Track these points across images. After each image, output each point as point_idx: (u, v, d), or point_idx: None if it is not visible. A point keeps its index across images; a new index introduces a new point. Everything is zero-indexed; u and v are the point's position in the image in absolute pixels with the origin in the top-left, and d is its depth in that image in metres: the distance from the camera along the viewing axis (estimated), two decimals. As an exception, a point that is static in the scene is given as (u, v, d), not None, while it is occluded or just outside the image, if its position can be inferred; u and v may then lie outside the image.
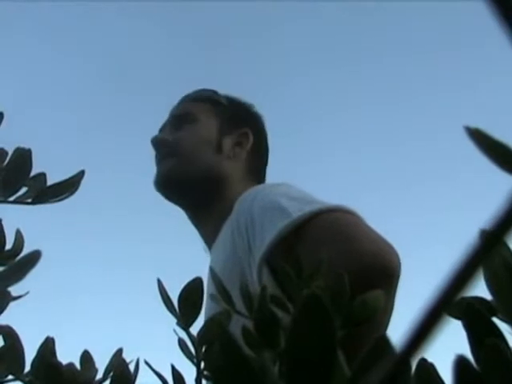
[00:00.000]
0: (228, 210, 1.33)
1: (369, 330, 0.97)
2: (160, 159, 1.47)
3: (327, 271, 0.99)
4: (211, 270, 0.67)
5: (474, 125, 0.25)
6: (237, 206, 1.28)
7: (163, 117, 1.61)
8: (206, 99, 1.56)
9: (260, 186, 1.33)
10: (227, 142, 1.49)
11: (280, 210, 1.14)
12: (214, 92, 1.59)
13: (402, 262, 1.01)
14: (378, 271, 0.96)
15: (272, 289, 0.58)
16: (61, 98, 3.81)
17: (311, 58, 3.90)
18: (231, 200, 1.34)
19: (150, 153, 1.61)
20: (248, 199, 1.25)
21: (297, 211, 1.11)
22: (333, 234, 1.07)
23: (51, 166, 0.64)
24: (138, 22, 3.86)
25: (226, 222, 1.33)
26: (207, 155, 1.45)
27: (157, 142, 1.49)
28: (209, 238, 1.42)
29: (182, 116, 1.53)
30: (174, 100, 1.61)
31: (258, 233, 1.16)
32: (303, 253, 1.07)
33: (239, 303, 0.56)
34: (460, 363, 0.28)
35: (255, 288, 1.04)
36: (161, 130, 1.56)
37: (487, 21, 0.18)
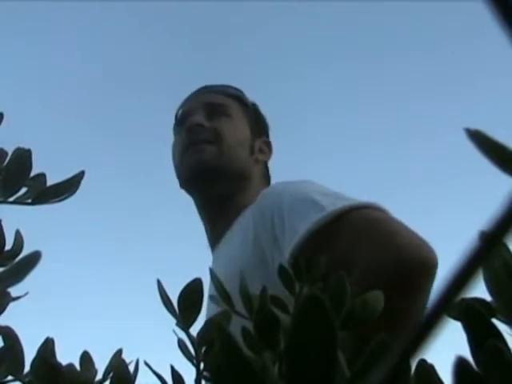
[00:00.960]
0: (241, 210, 1.35)
1: (405, 322, 0.98)
2: (197, 144, 1.44)
3: (367, 265, 1.01)
4: (211, 270, 0.67)
5: (474, 126, 0.25)
6: (261, 200, 1.29)
7: (163, 116, 1.61)
8: (235, 97, 1.56)
9: (285, 182, 1.33)
10: (256, 146, 1.52)
11: (313, 204, 1.15)
12: (242, 92, 1.60)
13: (437, 256, 1.04)
14: (418, 265, 0.98)
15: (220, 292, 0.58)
16: (61, 98, 3.81)
17: (311, 57, 3.90)
18: (248, 201, 1.37)
19: (151, 153, 1.61)
20: (274, 192, 1.27)
21: (330, 205, 1.12)
22: (370, 229, 1.08)
23: (51, 167, 0.64)
24: (136, 21, 3.86)
25: (238, 219, 1.34)
26: (244, 154, 1.48)
27: (196, 126, 1.45)
28: (217, 233, 1.42)
29: (217, 106, 1.51)
30: (174, 100, 1.61)
31: (287, 225, 1.16)
32: (336, 248, 1.09)
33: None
34: (460, 364, 0.28)
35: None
36: (189, 112, 1.52)
37: (488, 21, 0.18)
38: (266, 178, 1.55)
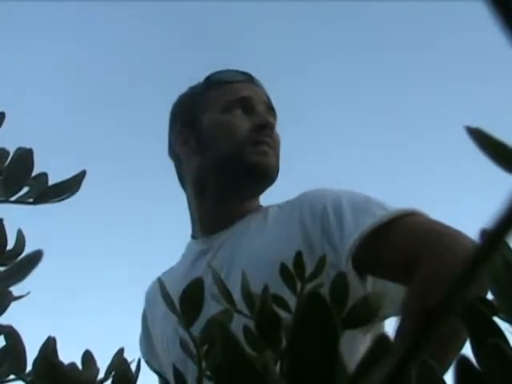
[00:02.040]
0: (248, 213, 1.42)
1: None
2: (265, 145, 1.45)
3: (433, 261, 1.05)
4: (215, 270, 0.67)
5: (475, 124, 0.25)
6: (312, 197, 1.33)
7: (162, 116, 1.60)
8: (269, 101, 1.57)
9: (328, 188, 1.37)
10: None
11: (374, 203, 1.22)
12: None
13: None
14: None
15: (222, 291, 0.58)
16: (62, 97, 3.81)
17: (314, 51, 3.90)
18: (255, 206, 1.46)
19: (151, 153, 1.61)
20: (328, 191, 1.32)
21: (388, 207, 1.20)
22: (431, 229, 1.15)
23: (52, 166, 0.64)
24: (135, 21, 3.86)
25: (253, 214, 1.41)
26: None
27: (269, 127, 1.46)
28: (219, 226, 1.43)
29: (274, 114, 1.55)
30: (174, 99, 1.60)
31: (348, 219, 1.20)
32: (398, 247, 1.15)
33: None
34: (462, 363, 0.28)
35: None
36: (253, 99, 1.49)
37: (488, 20, 0.18)
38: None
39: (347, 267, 1.15)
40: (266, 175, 1.44)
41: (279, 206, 1.40)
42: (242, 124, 1.44)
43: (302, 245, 1.22)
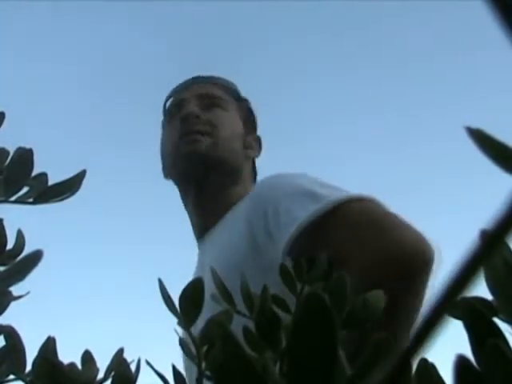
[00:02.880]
0: (232, 203, 1.35)
1: (408, 317, 0.98)
2: (192, 134, 1.43)
3: (365, 257, 1.01)
4: (215, 271, 0.67)
5: (475, 125, 0.25)
6: (256, 190, 1.29)
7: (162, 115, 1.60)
8: (229, 90, 1.56)
9: (281, 174, 1.31)
10: (248, 142, 1.52)
11: (311, 194, 1.14)
12: (235, 85, 1.59)
13: (435, 250, 1.03)
14: (419, 258, 0.98)
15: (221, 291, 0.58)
16: (62, 97, 3.81)
17: (314, 61, 3.90)
18: (238, 195, 1.38)
19: (151, 152, 1.61)
20: (270, 183, 1.26)
21: (327, 196, 1.12)
22: (366, 222, 1.08)
23: (53, 166, 0.64)
24: (133, 20, 3.86)
25: (230, 210, 1.34)
26: (238, 148, 1.48)
27: (191, 116, 1.44)
28: (206, 224, 1.41)
29: (212, 98, 1.51)
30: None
31: (284, 214, 1.15)
32: (335, 239, 1.08)
33: (252, 285, 0.56)
34: (460, 363, 0.28)
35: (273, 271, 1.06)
36: (182, 101, 1.51)
37: (488, 20, 0.18)
38: (253, 174, 1.55)
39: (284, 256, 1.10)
40: (200, 160, 1.41)
41: (243, 201, 1.34)
42: (174, 131, 1.47)
43: (244, 242, 1.20)
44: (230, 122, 1.49)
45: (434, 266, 1.01)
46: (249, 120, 1.56)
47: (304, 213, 1.10)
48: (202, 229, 1.43)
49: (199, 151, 1.41)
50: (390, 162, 3.83)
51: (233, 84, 1.59)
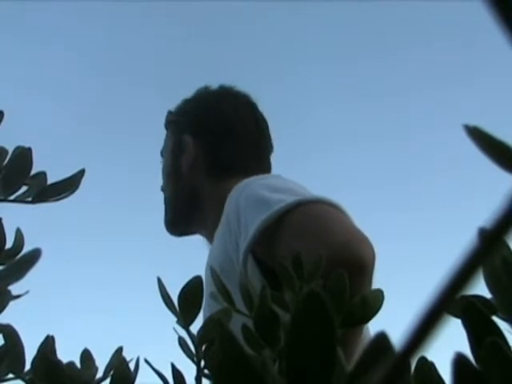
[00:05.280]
0: (219, 210, 1.35)
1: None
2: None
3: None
4: (209, 268, 0.67)
5: (473, 123, 0.25)
6: (226, 205, 1.30)
7: (163, 113, 1.61)
8: (166, 125, 1.59)
9: (246, 181, 1.31)
10: (180, 160, 1.51)
11: (262, 203, 1.15)
12: (168, 112, 1.59)
13: (375, 253, 1.01)
14: (347, 263, 0.94)
15: (256, 280, 0.58)
16: (62, 96, 3.81)
17: (314, 52, 3.90)
18: (213, 201, 1.42)
19: (151, 152, 1.61)
20: (235, 195, 1.27)
21: (277, 203, 1.12)
22: (305, 226, 1.08)
23: (51, 165, 0.64)
24: (134, 19, 3.86)
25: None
26: (174, 187, 1.52)
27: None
28: (211, 237, 1.44)
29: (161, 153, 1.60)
30: (173, 97, 1.61)
31: (243, 226, 1.17)
32: (279, 245, 1.10)
33: (236, 299, 0.56)
34: (459, 361, 0.28)
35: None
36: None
37: (488, 19, 0.18)
38: (214, 167, 1.49)
39: (246, 266, 1.14)
40: (167, 228, 1.54)
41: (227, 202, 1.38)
42: None
43: (222, 255, 1.24)
44: (163, 172, 1.56)
45: (371, 271, 1.00)
46: (176, 133, 1.55)
47: (254, 225, 1.13)
48: (209, 237, 1.48)
49: (167, 223, 1.53)
50: (389, 160, 3.84)
51: (170, 111, 1.59)
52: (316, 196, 1.15)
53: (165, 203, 1.53)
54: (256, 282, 1.09)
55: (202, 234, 1.53)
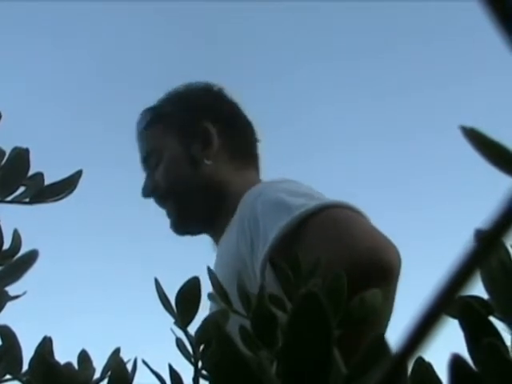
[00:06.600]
0: (234, 207, 1.32)
1: (366, 329, 0.97)
2: (161, 205, 1.47)
3: (325, 270, 0.99)
4: (212, 270, 0.67)
5: (470, 124, 0.25)
6: (241, 205, 1.28)
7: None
8: (154, 120, 1.50)
9: (262, 184, 1.31)
10: (196, 150, 1.43)
11: (282, 207, 1.13)
12: (155, 107, 1.52)
13: (401, 258, 0.99)
14: (375, 268, 0.95)
15: (275, 287, 0.58)
16: (59, 97, 3.81)
17: (308, 51, 3.90)
18: (236, 196, 1.34)
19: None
20: (251, 198, 1.25)
21: (299, 207, 1.10)
22: (329, 231, 1.06)
23: (49, 166, 0.64)
24: (133, 19, 3.85)
25: (231, 220, 1.33)
26: (188, 177, 1.42)
27: (146, 193, 1.48)
28: (218, 237, 1.40)
29: (148, 156, 1.49)
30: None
31: (261, 232, 1.14)
32: (301, 250, 1.07)
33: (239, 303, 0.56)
34: (456, 362, 0.28)
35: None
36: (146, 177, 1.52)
37: (486, 19, 0.18)
38: (237, 155, 1.46)
39: (264, 273, 1.10)
40: (177, 228, 1.46)
41: (240, 205, 1.33)
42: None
43: (235, 262, 1.21)
44: (166, 166, 1.45)
45: (397, 276, 0.98)
46: (183, 126, 1.47)
47: (274, 231, 1.10)
48: (216, 240, 1.44)
49: (172, 223, 1.45)
50: (389, 160, 3.84)
51: (150, 109, 1.52)
52: (336, 200, 1.13)
53: (176, 201, 1.43)
54: (275, 289, 1.07)
55: (212, 228, 1.46)
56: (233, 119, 1.50)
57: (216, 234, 1.43)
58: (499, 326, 0.36)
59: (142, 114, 1.54)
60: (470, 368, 0.28)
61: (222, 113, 1.49)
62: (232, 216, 1.32)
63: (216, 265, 1.32)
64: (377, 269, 0.96)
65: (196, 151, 1.43)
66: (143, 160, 1.51)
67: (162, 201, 1.47)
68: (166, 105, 1.51)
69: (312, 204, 1.10)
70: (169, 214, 1.46)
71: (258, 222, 1.16)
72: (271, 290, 0.51)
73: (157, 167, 1.47)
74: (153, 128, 1.50)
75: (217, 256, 1.36)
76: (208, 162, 1.43)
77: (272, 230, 1.11)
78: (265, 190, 1.24)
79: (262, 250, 1.12)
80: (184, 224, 1.45)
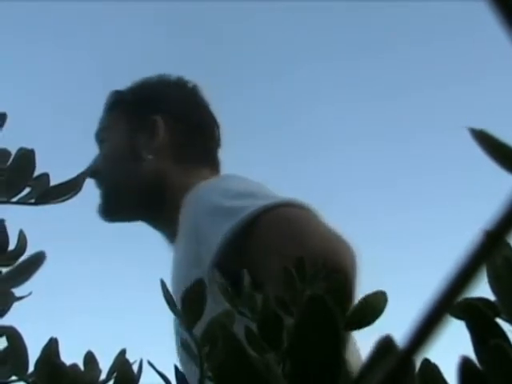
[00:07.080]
0: (174, 198, 1.29)
1: None
2: (97, 188, 1.44)
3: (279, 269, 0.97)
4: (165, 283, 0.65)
5: (473, 124, 0.25)
6: (183, 210, 1.23)
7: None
8: (114, 104, 1.48)
9: (204, 185, 1.25)
10: (139, 141, 1.40)
11: (224, 212, 1.08)
12: (120, 92, 1.49)
13: (355, 257, 0.95)
14: (328, 269, 0.92)
15: (224, 293, 0.57)
16: (64, 98, 3.82)
17: (305, 51, 3.89)
18: (174, 189, 1.31)
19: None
20: (192, 202, 1.21)
21: (243, 210, 1.06)
22: (280, 232, 1.03)
23: (54, 167, 0.64)
24: (133, 19, 3.86)
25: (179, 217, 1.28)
26: (125, 166, 1.40)
27: (89, 174, 1.40)
28: (172, 238, 1.36)
29: (97, 137, 1.48)
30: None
31: (203, 238, 1.11)
32: (254, 251, 1.03)
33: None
34: (465, 364, 0.28)
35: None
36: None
37: (490, 19, 0.18)
38: (183, 154, 1.41)
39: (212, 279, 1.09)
40: (102, 213, 1.42)
41: (185, 207, 1.29)
42: None
43: (183, 259, 1.18)
44: (106, 152, 1.43)
45: (353, 277, 0.94)
46: (135, 114, 1.43)
47: (217, 238, 1.06)
48: (167, 235, 1.40)
49: (98, 208, 1.42)
50: (389, 160, 3.83)
51: (114, 93, 1.50)
52: (283, 198, 1.09)
53: (108, 187, 1.40)
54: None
55: (158, 226, 1.42)
56: (191, 118, 1.45)
57: (164, 228, 1.38)
58: (506, 327, 0.36)
59: (108, 96, 1.51)
60: (478, 370, 0.28)
61: (179, 109, 1.45)
62: (177, 210, 1.27)
63: (173, 276, 1.25)
64: (332, 270, 0.95)
65: (139, 142, 1.41)
66: (95, 138, 1.49)
67: (97, 185, 1.44)
68: (128, 92, 1.49)
69: (256, 205, 1.07)
70: (99, 198, 1.43)
71: (200, 228, 1.13)
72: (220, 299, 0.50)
73: (101, 150, 1.45)
74: (112, 111, 1.48)
75: (173, 262, 1.30)
76: (149, 156, 1.39)
77: (216, 236, 1.07)
78: (205, 193, 1.20)
79: (207, 256, 1.08)
80: (110, 211, 1.41)
